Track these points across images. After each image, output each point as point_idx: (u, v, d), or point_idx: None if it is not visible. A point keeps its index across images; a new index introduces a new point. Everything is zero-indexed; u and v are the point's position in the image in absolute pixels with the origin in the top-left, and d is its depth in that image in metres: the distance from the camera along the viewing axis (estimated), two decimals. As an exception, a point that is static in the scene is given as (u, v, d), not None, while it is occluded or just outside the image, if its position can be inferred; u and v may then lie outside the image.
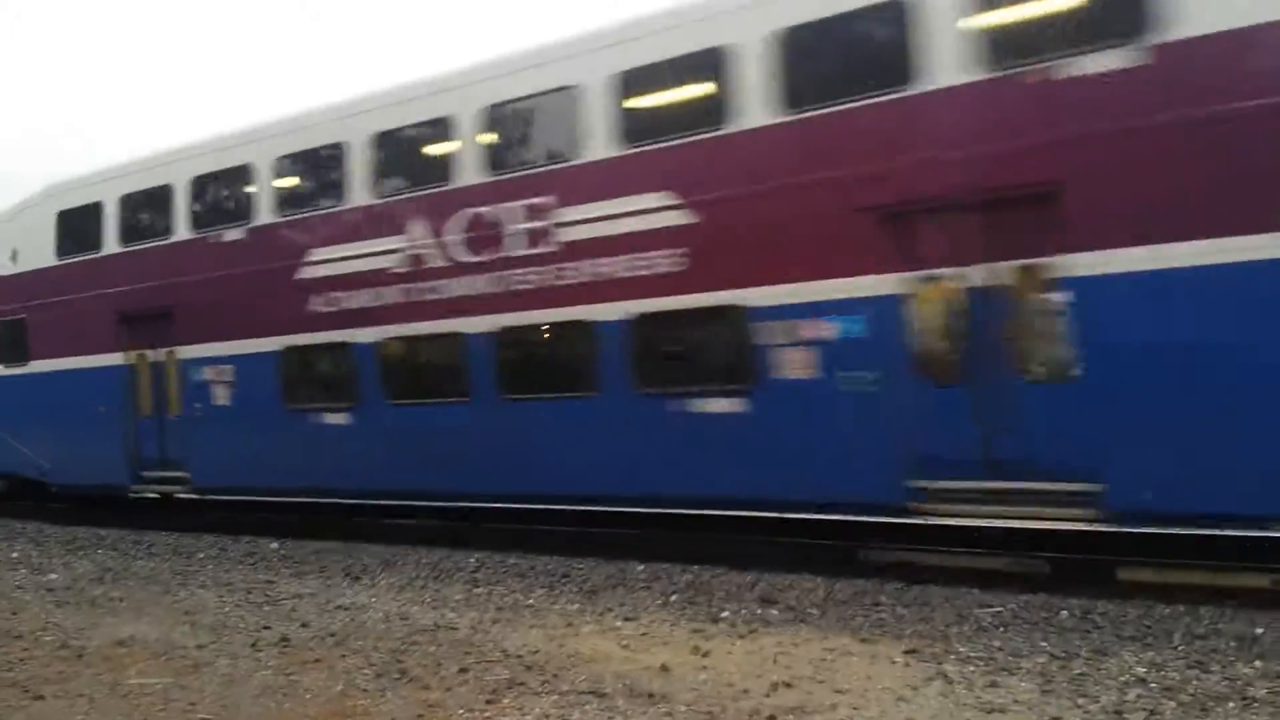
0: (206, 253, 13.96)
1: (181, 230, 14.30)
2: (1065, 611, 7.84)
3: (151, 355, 14.89)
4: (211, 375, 14.09)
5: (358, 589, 9.92)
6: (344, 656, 7.18)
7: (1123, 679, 6.16)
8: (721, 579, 9.55)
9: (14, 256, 16.60)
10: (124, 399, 15.14)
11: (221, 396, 14.01)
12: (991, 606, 8.09)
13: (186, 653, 7.48)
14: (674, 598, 9.00)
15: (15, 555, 13.02)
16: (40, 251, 16.05)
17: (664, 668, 6.66)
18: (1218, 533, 8.49)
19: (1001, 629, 7.51)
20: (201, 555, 12.55)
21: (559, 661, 6.88)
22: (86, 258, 15.41)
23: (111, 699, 6.43)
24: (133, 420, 15.14)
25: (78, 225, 15.55)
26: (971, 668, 6.46)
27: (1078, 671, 6.33)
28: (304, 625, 8.24)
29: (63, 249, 15.76)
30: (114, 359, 15.25)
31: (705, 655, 6.98)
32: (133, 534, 14.54)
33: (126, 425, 15.17)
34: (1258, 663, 6.38)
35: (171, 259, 14.39)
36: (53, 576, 11.20)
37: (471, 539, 12.08)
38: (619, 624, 8.04)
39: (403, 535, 12.81)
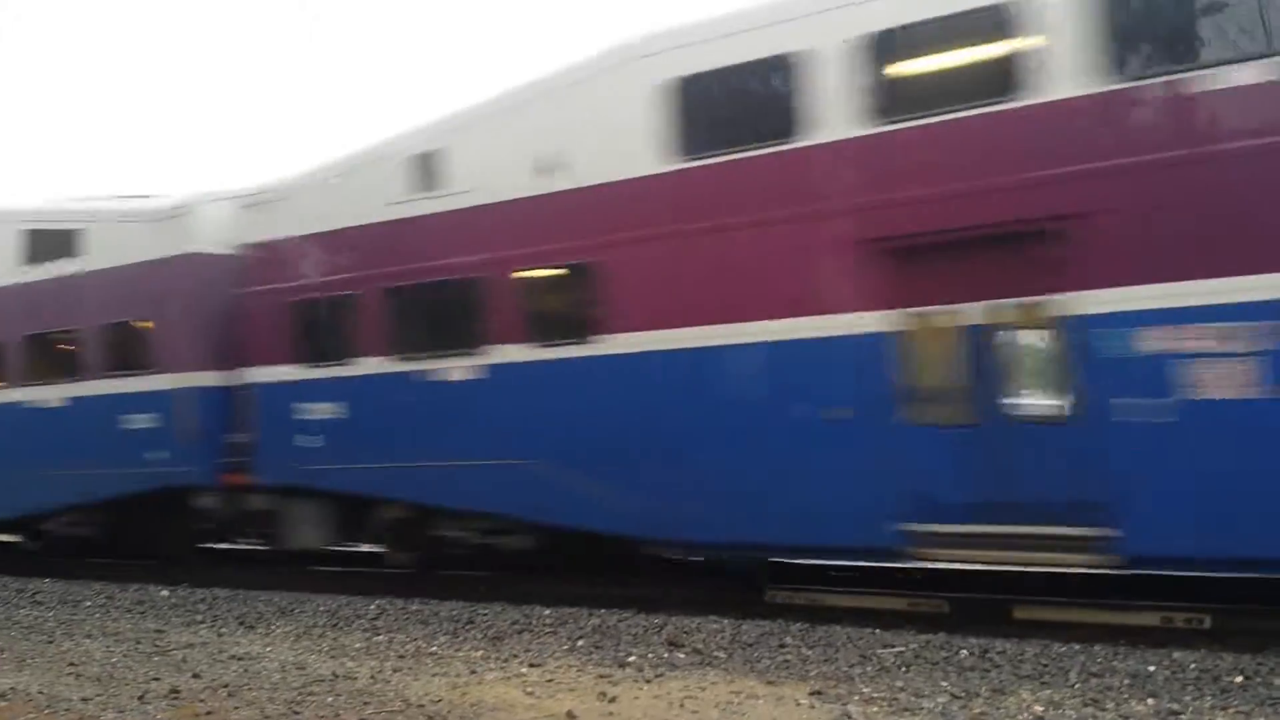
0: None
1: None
2: (965, 651, 7.96)
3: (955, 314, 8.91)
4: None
5: (252, 638, 9.62)
6: (237, 709, 6.93)
7: (1021, 717, 6.25)
8: (628, 622, 9.51)
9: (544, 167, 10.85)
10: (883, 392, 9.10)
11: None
12: (894, 646, 8.19)
13: (71, 705, 7.15)
14: (580, 642, 8.91)
15: (-114, 606, 12.35)
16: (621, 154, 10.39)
17: (570, 715, 6.57)
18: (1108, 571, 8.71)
19: (903, 669, 7.59)
20: (88, 604, 12.06)
21: (462, 710, 6.74)
22: (763, 151, 9.66)
23: (-13, 757, 6.12)
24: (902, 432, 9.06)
25: (730, 100, 9.96)
26: (875, 708, 6.51)
27: (978, 710, 6.41)
28: (195, 676, 7.95)
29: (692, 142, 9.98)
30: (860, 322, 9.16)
31: (612, 701, 6.91)
32: (15, 581, 13.93)
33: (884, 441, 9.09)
34: (1150, 700, 6.54)
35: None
36: (-73, 628, 10.65)
37: (372, 585, 11.84)
38: (524, 670, 7.92)
39: (300, 582, 12.49)
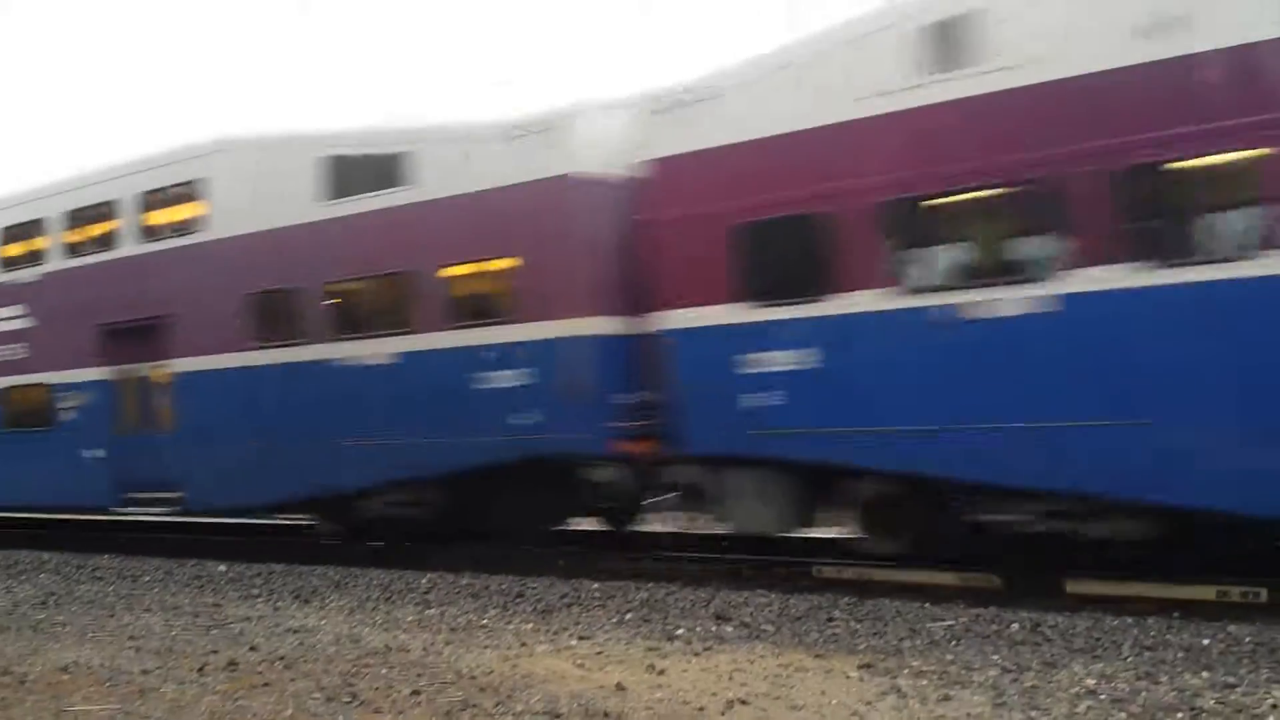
0: None
1: None
2: (1015, 624, 7.92)
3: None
4: None
5: (307, 611, 9.78)
6: (293, 680, 7.06)
7: (1073, 691, 6.21)
8: (676, 596, 9.55)
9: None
10: None
11: None
12: (943, 620, 8.16)
13: (132, 678, 7.31)
14: (629, 616, 8.97)
15: (-46, 581, 12.70)
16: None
17: (619, 686, 6.62)
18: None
19: (954, 642, 7.57)
20: (147, 579, 12.33)
21: (513, 682, 6.82)
22: None
23: (54, 727, 6.29)
24: None
25: None
26: (925, 681, 6.49)
27: (1029, 684, 6.38)
28: (252, 649, 8.10)
29: None
30: None
31: (660, 673, 6.95)
32: (76, 557, 14.25)
33: None
34: (1205, 673, 6.47)
35: None
36: (-7, 602, 10.95)
37: (424, 559, 11.97)
38: (574, 643, 7.99)
39: (354, 556, 12.67)
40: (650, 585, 10.00)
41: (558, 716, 6.04)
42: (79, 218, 15.61)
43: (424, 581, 10.94)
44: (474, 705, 6.31)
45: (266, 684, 6.98)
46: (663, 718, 5.97)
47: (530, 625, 8.73)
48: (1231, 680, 6.26)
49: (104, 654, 8.18)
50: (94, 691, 7.04)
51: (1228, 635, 7.35)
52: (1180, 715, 5.71)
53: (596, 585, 10.18)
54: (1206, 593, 8.31)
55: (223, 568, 12.70)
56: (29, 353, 16.01)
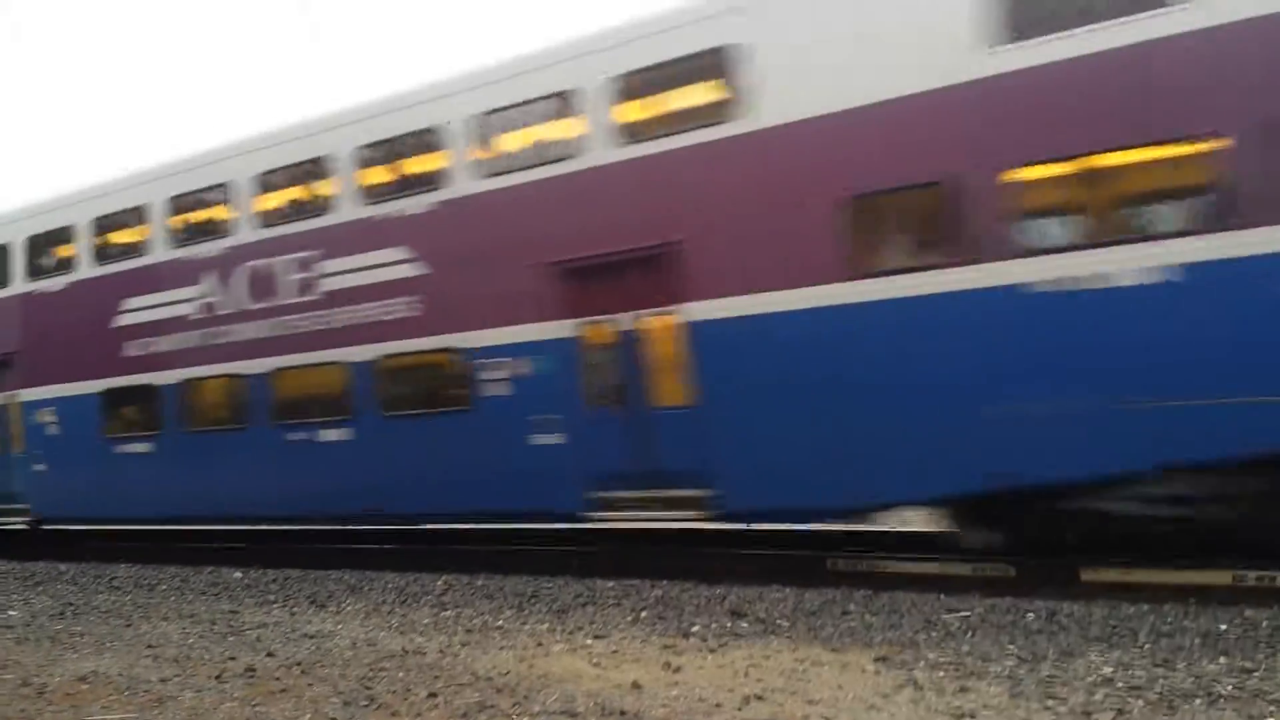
0: None
1: None
2: (1031, 614, 7.91)
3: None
4: None
5: (324, 616, 9.81)
6: (311, 685, 7.09)
7: (1090, 679, 6.21)
8: (691, 593, 9.55)
9: None
10: None
11: None
12: (958, 611, 8.15)
13: (150, 687, 7.34)
14: (644, 614, 8.98)
15: (-29, 593, 12.76)
16: None
17: (635, 685, 6.63)
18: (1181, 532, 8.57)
19: (969, 634, 7.56)
20: (164, 587, 12.36)
21: (530, 682, 6.83)
22: None
23: (74, 737, 6.31)
24: None
25: None
26: (941, 673, 6.49)
27: (1045, 673, 6.37)
28: (270, 655, 8.13)
29: None
30: None
31: (676, 671, 6.96)
32: (93, 567, 14.30)
33: None
34: (1222, 659, 6.46)
35: None
36: (11, 613, 10.97)
37: (438, 561, 12.00)
38: (589, 642, 8.00)
39: (368, 560, 12.70)
40: (664, 583, 10.00)
41: (575, 716, 6.05)
42: (505, 122, 11.64)
43: (439, 584, 10.96)
44: (491, 706, 6.33)
45: (284, 689, 7.00)
46: (680, 715, 5.98)
47: (545, 625, 8.74)
48: (1248, 665, 6.25)
49: (122, 663, 8.21)
50: (113, 700, 7.07)
51: (1244, 620, 7.33)
52: (1198, 701, 5.71)
53: (611, 584, 10.19)
54: (1223, 578, 8.27)
55: (239, 574, 12.73)
56: (420, 309, 12.00)
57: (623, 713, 6.05)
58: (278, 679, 7.32)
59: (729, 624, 8.38)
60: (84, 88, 71.15)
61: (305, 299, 12.86)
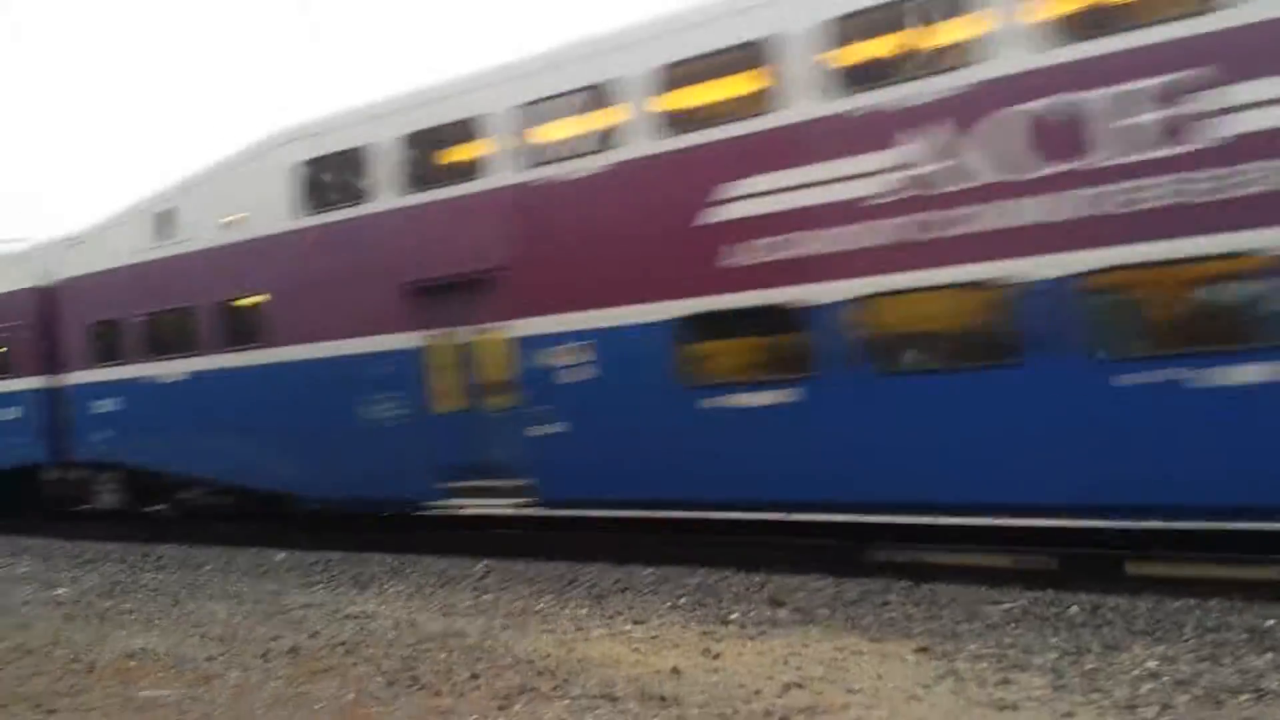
0: None
1: None
2: (1075, 607, 7.85)
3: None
4: None
5: (366, 597, 9.92)
6: (355, 665, 7.18)
7: (1135, 673, 6.16)
8: (729, 581, 9.57)
9: None
10: None
11: None
12: (1001, 603, 8.10)
13: (197, 665, 7.47)
14: (682, 600, 9.00)
15: (23, 571, 13.02)
16: None
17: (675, 670, 6.66)
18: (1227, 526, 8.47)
19: (1012, 625, 7.51)
20: (209, 567, 12.56)
21: (569, 666, 6.88)
22: None
23: (124, 712, 6.42)
24: None
25: None
26: (983, 665, 6.46)
27: (1089, 666, 6.33)
28: (313, 635, 8.24)
29: None
30: None
31: (716, 657, 6.98)
32: (140, 547, 14.56)
33: None
34: (1269, 655, 6.37)
35: None
36: (61, 591, 11.20)
37: (477, 546, 12.09)
38: (628, 627, 8.04)
39: (409, 544, 12.83)
40: (702, 570, 10.01)
41: (615, 700, 6.09)
42: None
43: (479, 568, 11.05)
44: (532, 689, 6.38)
45: (328, 669, 7.10)
46: (719, 701, 5.99)
47: (584, 610, 8.79)
48: (1296, 661, 6.17)
49: (169, 641, 8.36)
50: (161, 677, 7.21)
51: (1292, 616, 7.23)
52: (1244, 697, 5.65)
53: (649, 570, 10.22)
54: (1269, 573, 8.17)
55: (282, 556, 12.91)
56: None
57: (662, 698, 6.07)
58: (321, 658, 7.43)
59: (768, 612, 8.38)
60: (83, 87, 72.02)
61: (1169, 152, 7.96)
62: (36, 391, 17.06)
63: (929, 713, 5.62)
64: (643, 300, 10.62)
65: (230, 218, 14.15)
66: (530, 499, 11.51)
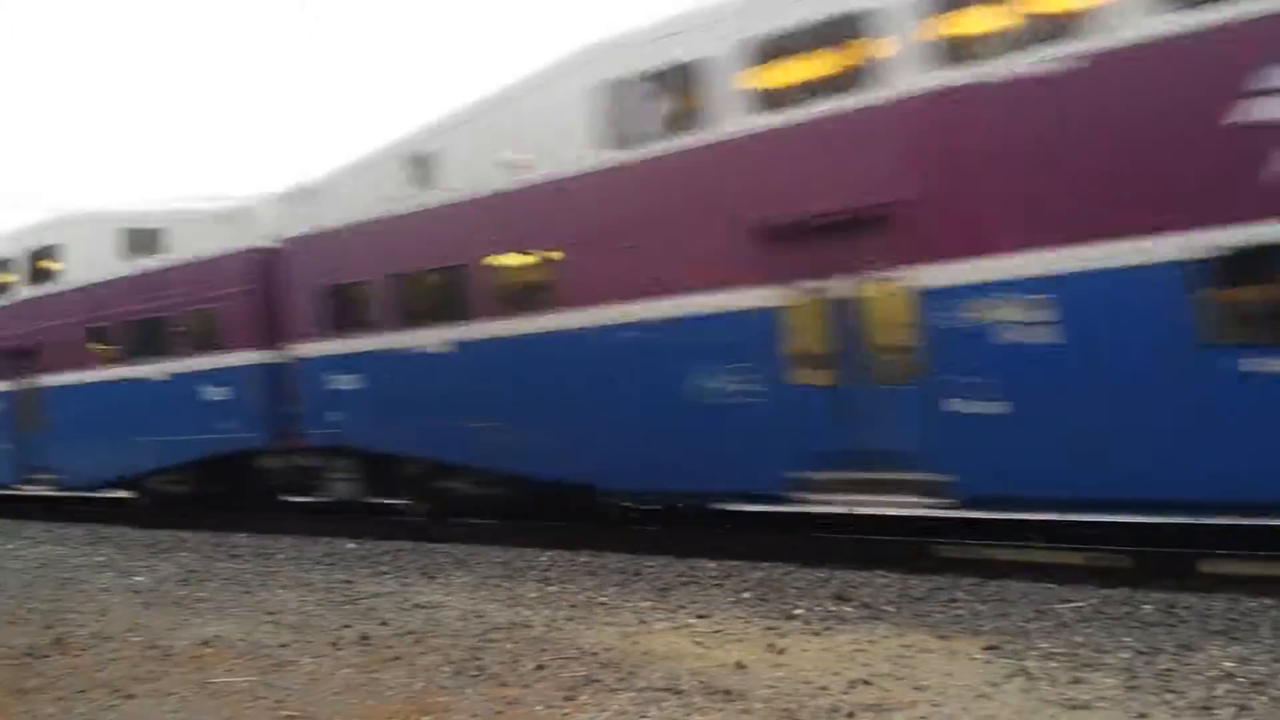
0: None
1: None
2: (1148, 606, 7.71)
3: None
4: None
5: (433, 587, 10.04)
6: (423, 654, 7.28)
7: (1210, 673, 6.03)
8: (793, 576, 9.53)
9: None
10: None
11: None
12: (1072, 602, 7.98)
13: (270, 651, 7.62)
14: (746, 595, 8.99)
15: (101, 558, 13.36)
16: None
17: (739, 665, 6.65)
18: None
19: (1083, 624, 7.39)
20: (281, 556, 12.80)
21: (634, 658, 6.91)
22: None
23: (200, 697, 6.57)
24: None
25: None
26: (1054, 663, 6.37)
27: (1163, 666, 6.21)
28: (383, 623, 8.37)
29: None
30: None
31: (780, 652, 6.96)
32: (214, 536, 14.87)
33: None
34: (1351, 657, 6.21)
35: None
36: (138, 579, 11.47)
37: (542, 539, 12.18)
38: (692, 621, 8.04)
39: (474, 535, 12.95)
40: (766, 565, 9.99)
41: (679, 693, 6.10)
42: None
43: (543, 559, 11.15)
44: (597, 680, 6.42)
45: (397, 657, 7.21)
46: (784, 696, 5.98)
47: (648, 603, 8.81)
48: (1381, 665, 6.00)
49: (243, 628, 8.52)
50: (235, 664, 7.36)
51: (1375, 618, 7.03)
52: (1326, 700, 5.50)
53: (713, 565, 10.21)
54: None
55: (352, 545, 13.11)
56: None
57: (727, 692, 6.08)
58: (391, 647, 7.54)
59: (833, 608, 8.34)
60: (81, 86, 73.26)
61: None
62: (253, 368, 15.18)
63: (999, 710, 5.56)
64: (1143, 231, 8.10)
65: (510, 158, 11.97)
66: (943, 497, 9.26)
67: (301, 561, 12.30)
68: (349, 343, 13.98)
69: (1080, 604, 7.88)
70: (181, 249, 16.25)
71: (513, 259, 12.34)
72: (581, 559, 11.03)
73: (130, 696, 6.65)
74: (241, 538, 14.58)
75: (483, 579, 10.40)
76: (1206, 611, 7.47)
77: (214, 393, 15.67)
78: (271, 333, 15.05)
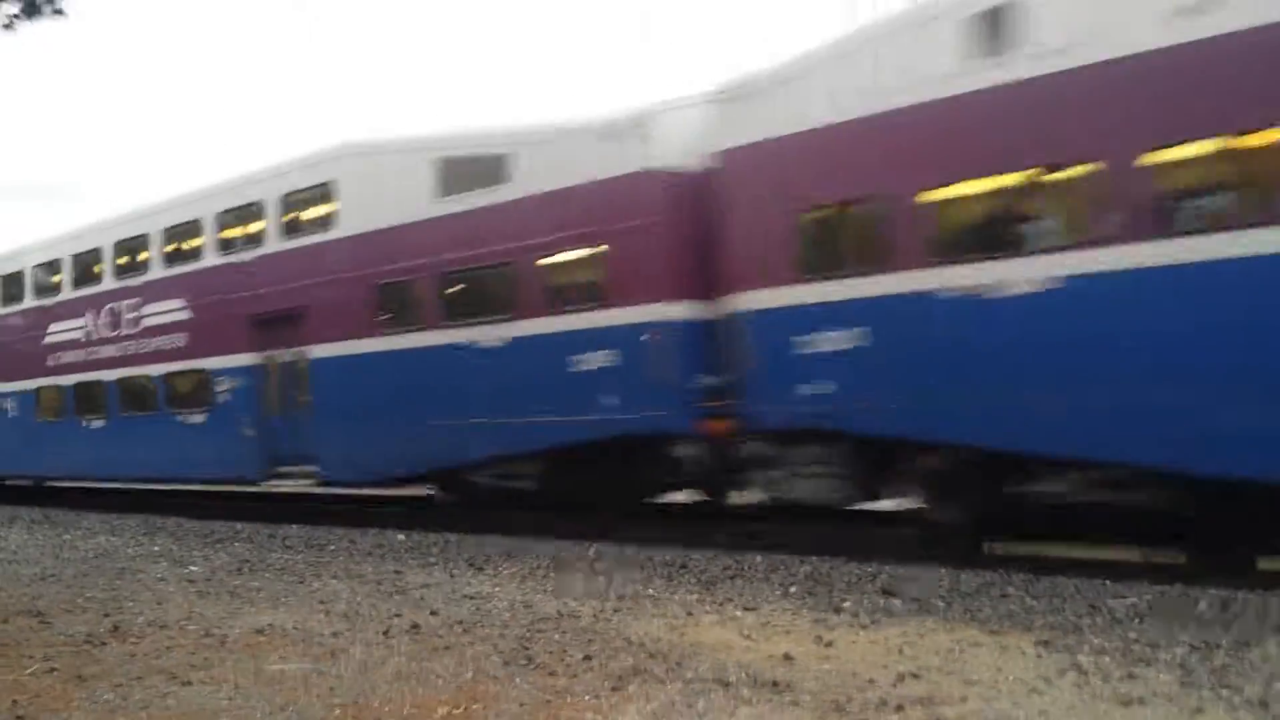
0: None
1: None
2: (1203, 602, 7.59)
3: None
4: None
5: (482, 579, 10.11)
6: (472, 644, 7.33)
7: (1268, 670, 5.92)
8: (841, 570, 9.49)
9: None
10: None
11: None
12: (1125, 598, 7.87)
13: (323, 640, 7.71)
14: (793, 589, 8.96)
15: (157, 549, 13.60)
16: None
17: (787, 657, 6.63)
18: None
19: (1137, 620, 7.29)
20: (332, 547, 12.95)
21: (681, 650, 6.91)
22: None
23: (255, 684, 6.65)
24: None
25: None
26: (1107, 659, 6.28)
27: (1219, 662, 6.11)
28: (433, 613, 8.44)
29: None
30: None
31: (828, 645, 6.93)
32: (267, 527, 15.08)
33: None
34: None
35: None
36: (193, 569, 11.65)
37: (586, 531, 12.22)
38: (739, 614, 8.04)
39: (522, 526, 13.02)
40: (814, 559, 9.96)
41: (727, 685, 6.09)
42: None
43: (590, 551, 11.18)
44: (644, 671, 6.42)
45: (447, 647, 7.26)
46: (832, 689, 5.95)
47: (695, 596, 8.82)
48: None
49: (296, 617, 8.63)
50: (289, 652, 7.44)
51: None
52: (1387, 698, 5.39)
53: (760, 558, 10.21)
54: None
55: (401, 537, 13.24)
56: None
57: (775, 684, 6.05)
58: (441, 637, 7.60)
59: (881, 602, 8.29)
60: (80, 84, 74.00)
61: None
62: (663, 325, 11.46)
63: (1051, 706, 5.49)
64: None
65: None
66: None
67: (353, 553, 12.43)
68: (850, 286, 10.31)
69: (1134, 600, 7.78)
70: (531, 179, 12.71)
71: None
72: (628, 552, 11.07)
73: (187, 683, 6.75)
74: (294, 529, 14.77)
75: (530, 570, 10.45)
76: (1264, 608, 7.34)
77: (590, 360, 12.02)
78: (688, 280, 11.58)
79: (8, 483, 23.38)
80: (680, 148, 11.66)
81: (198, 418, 17.46)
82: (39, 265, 21.47)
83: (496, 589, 9.47)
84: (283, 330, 15.84)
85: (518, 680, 6.37)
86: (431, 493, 15.12)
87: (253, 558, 12.30)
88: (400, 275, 14.23)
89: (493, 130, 13.52)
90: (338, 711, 5.88)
